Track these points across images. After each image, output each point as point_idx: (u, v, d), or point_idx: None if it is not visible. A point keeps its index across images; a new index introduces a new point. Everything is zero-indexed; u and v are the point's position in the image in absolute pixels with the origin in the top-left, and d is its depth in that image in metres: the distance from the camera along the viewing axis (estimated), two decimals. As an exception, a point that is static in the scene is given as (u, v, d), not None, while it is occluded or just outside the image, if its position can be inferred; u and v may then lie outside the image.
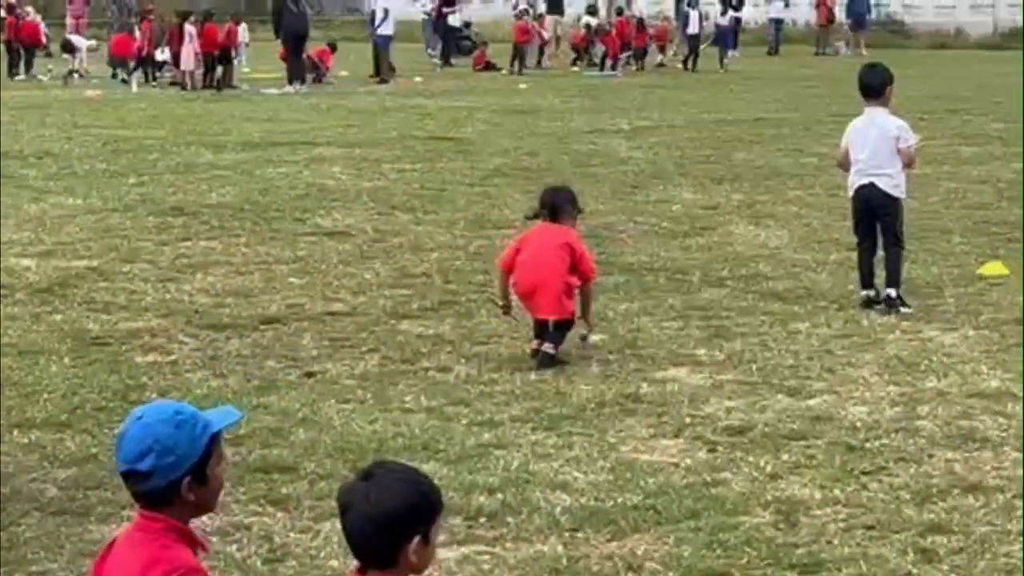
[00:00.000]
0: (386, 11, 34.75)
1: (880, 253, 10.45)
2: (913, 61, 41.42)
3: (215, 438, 3.66)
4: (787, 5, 49.04)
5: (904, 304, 10.21)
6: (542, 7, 46.14)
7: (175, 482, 3.59)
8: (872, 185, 10.23)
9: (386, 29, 34.39)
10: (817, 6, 48.93)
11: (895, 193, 10.26)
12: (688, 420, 7.77)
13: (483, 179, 16.90)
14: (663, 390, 8.32)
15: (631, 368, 8.79)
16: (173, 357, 9.03)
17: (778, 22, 48.52)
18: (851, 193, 10.50)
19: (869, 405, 8.03)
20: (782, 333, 9.63)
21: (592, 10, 43.90)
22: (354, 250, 12.45)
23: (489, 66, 38.26)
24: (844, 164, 10.57)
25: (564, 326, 8.97)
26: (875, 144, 10.21)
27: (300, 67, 31.31)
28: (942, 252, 12.26)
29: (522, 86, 32.52)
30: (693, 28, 40.08)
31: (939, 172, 16.64)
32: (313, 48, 33.29)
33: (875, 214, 10.35)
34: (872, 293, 10.36)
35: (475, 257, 12.16)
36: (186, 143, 20.08)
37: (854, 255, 12.12)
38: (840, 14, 49.09)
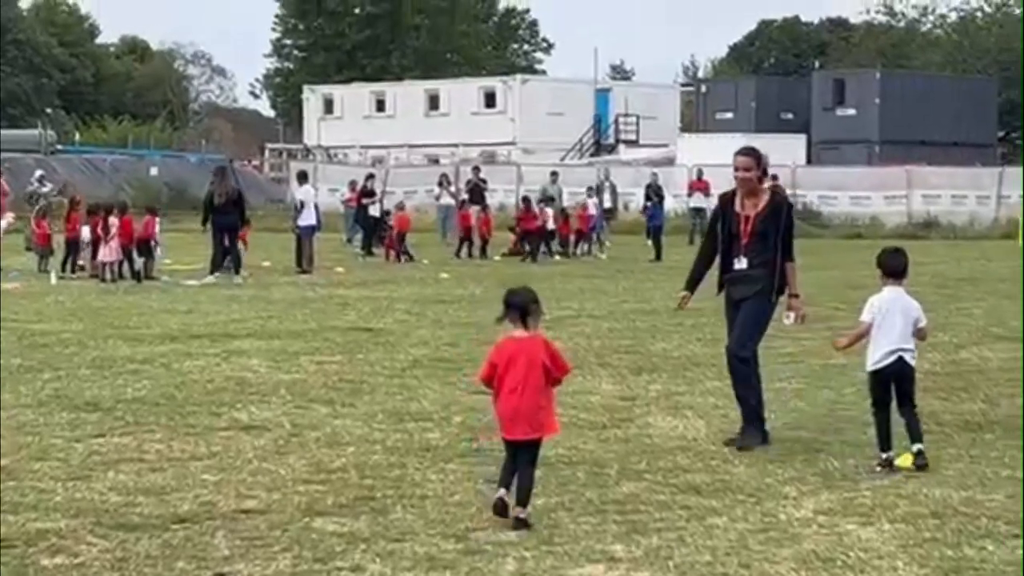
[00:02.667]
0: (302, 203, 35.02)
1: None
2: (830, 249, 42.04)
3: None
4: (707, 195, 49.80)
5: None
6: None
7: None
8: (900, 359, 11.43)
9: (307, 219, 34.61)
10: (735, 196, 49.67)
11: (913, 363, 11.62)
12: (604, 620, 7.68)
13: (402, 370, 16.86)
14: (579, 588, 8.23)
15: (547, 565, 8.69)
16: (81, 559, 8.83)
17: (699, 211, 49.22)
18: (876, 367, 11.52)
19: (786, 602, 7.97)
20: (699, 528, 9.58)
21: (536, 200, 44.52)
22: (269, 445, 12.32)
23: (399, 254, 38.73)
24: (863, 336, 11.64)
25: (537, 448, 9.63)
26: (901, 322, 11.46)
27: (222, 258, 31.36)
28: (859, 443, 12.28)
29: (443, 275, 32.69)
30: (657, 220, 41.51)
31: (855, 363, 16.65)
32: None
33: (899, 385, 11.50)
34: (892, 454, 11.37)
35: (392, 451, 12.07)
36: (104, 336, 19.94)
37: (770, 447, 12.22)
38: (757, 204, 49.84)
